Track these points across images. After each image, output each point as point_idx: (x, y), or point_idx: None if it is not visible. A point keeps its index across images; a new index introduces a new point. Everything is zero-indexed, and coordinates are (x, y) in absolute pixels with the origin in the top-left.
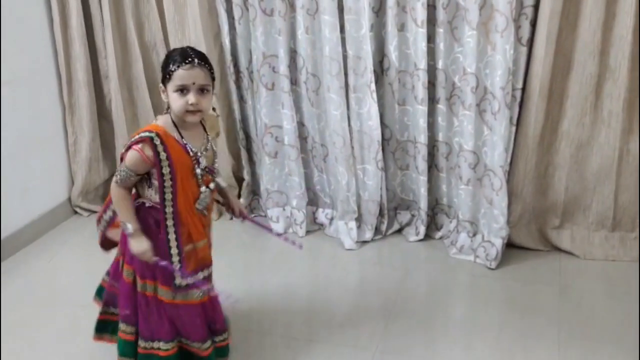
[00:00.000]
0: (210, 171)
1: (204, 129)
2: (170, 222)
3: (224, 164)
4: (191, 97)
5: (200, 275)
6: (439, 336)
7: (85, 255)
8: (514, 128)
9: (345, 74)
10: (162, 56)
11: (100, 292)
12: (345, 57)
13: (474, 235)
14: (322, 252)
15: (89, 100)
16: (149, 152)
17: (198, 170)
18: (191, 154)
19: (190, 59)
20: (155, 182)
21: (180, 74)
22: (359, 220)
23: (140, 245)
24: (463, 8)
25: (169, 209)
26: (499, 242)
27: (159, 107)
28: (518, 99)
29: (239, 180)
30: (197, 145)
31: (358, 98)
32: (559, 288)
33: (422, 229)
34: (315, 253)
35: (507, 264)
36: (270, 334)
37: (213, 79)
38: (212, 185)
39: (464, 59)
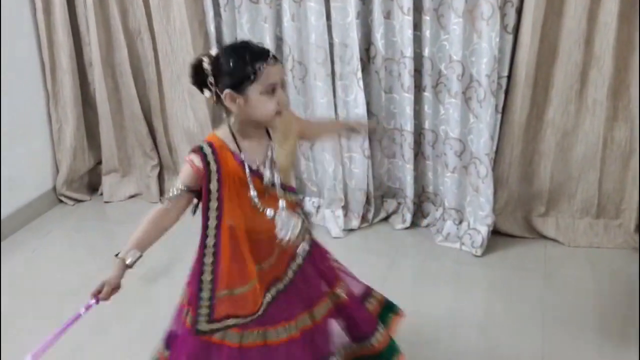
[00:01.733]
0: (284, 187)
1: (267, 132)
2: (209, 259)
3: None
4: (282, 95)
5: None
6: (424, 323)
7: (70, 244)
8: (499, 116)
9: (332, 62)
10: (147, 43)
11: None
12: (331, 45)
13: (460, 222)
14: None
15: (73, 88)
16: (199, 162)
17: (252, 193)
18: (251, 168)
19: (271, 54)
20: (212, 222)
21: (272, 72)
22: (345, 208)
23: (112, 276)
24: None
25: (210, 240)
26: (484, 230)
27: (143, 95)
28: (504, 87)
29: None
30: (260, 158)
31: (344, 86)
32: (543, 275)
33: (408, 217)
34: None
35: (492, 251)
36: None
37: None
38: (282, 204)
39: (450, 46)
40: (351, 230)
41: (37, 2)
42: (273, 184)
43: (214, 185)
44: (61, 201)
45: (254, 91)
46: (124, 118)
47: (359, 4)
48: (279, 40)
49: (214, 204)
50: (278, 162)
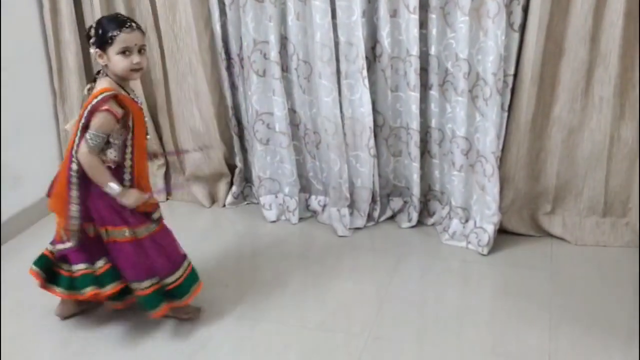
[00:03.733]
0: None
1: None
2: (127, 177)
3: (215, 151)
4: (135, 57)
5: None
6: (431, 322)
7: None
8: (505, 114)
9: (337, 61)
10: (153, 42)
11: (41, 261)
12: (336, 44)
13: (466, 221)
14: (314, 239)
15: (80, 87)
16: (117, 108)
17: (146, 119)
18: (140, 104)
19: (129, 23)
20: (116, 141)
21: (124, 37)
22: (351, 207)
23: (132, 197)
24: None
25: (128, 162)
26: (490, 228)
27: (149, 95)
28: (510, 85)
29: (232, 167)
30: (135, 96)
31: (350, 85)
32: (550, 274)
33: (414, 216)
34: (308, 240)
35: (498, 250)
36: (263, 321)
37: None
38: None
39: (457, 44)
40: (357, 229)
41: (44, 1)
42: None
43: (131, 122)
44: None
45: (112, 51)
46: None
47: (365, 2)
48: (284, 39)
49: (130, 135)
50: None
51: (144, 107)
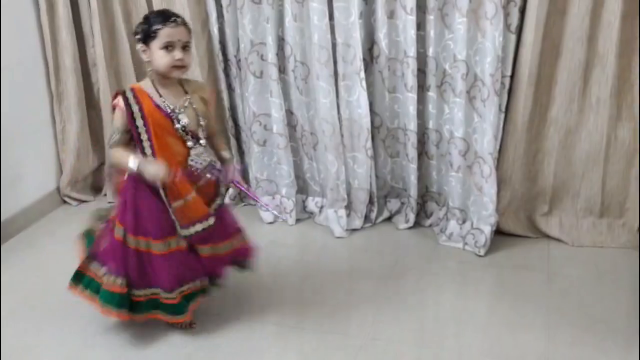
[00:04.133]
0: (191, 132)
1: (183, 89)
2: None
3: (212, 152)
4: (178, 53)
5: (199, 227)
6: (428, 323)
7: (74, 244)
8: (503, 115)
9: (335, 62)
10: None
11: (79, 278)
12: (334, 45)
13: (463, 222)
14: (312, 240)
15: (76, 89)
16: (122, 103)
17: (178, 126)
18: (168, 110)
19: (174, 18)
20: (142, 136)
21: (167, 32)
22: (348, 208)
23: (154, 167)
24: None
25: (148, 150)
26: (487, 229)
27: None
28: (507, 86)
29: None
30: (176, 103)
31: (347, 86)
32: (547, 275)
33: (411, 217)
34: (305, 241)
35: (496, 251)
36: (261, 322)
37: (191, 37)
38: (202, 142)
39: (454, 46)
40: (354, 230)
41: (40, 2)
42: (183, 128)
43: (139, 122)
44: (65, 202)
45: (155, 46)
46: None
47: (362, 3)
48: (281, 40)
49: (144, 136)
50: (197, 114)
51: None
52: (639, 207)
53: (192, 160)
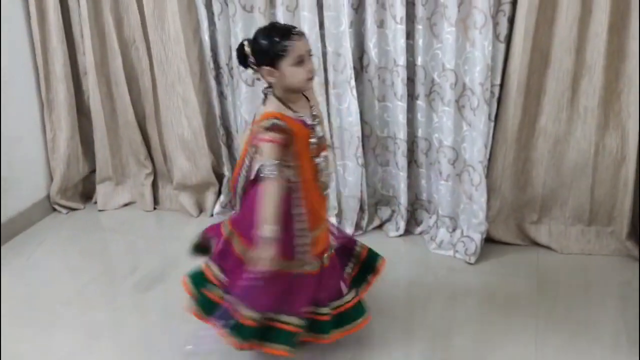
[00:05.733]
0: (321, 145)
1: (306, 97)
2: (299, 208)
3: (204, 160)
4: (309, 64)
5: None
6: (418, 331)
7: (64, 252)
8: (492, 124)
9: (325, 70)
10: (142, 51)
11: (209, 307)
12: (324, 54)
13: (454, 230)
14: None
15: (67, 96)
16: (279, 135)
17: (313, 140)
18: (309, 124)
19: (295, 29)
20: (290, 163)
21: (297, 45)
22: (339, 216)
23: (268, 252)
24: (442, 5)
25: (297, 193)
26: (478, 237)
27: (137, 104)
28: (496, 95)
29: (219, 176)
30: (308, 115)
31: (338, 94)
32: (536, 282)
33: (402, 225)
34: None
35: (485, 258)
36: None
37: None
38: (325, 153)
39: (443, 55)
40: None
41: (31, 10)
42: (320, 137)
43: (294, 147)
44: (55, 209)
45: (286, 64)
46: (118, 126)
47: (352, 13)
48: None
49: (296, 162)
50: (321, 117)
51: (324, 118)
52: (629, 215)
53: (322, 176)
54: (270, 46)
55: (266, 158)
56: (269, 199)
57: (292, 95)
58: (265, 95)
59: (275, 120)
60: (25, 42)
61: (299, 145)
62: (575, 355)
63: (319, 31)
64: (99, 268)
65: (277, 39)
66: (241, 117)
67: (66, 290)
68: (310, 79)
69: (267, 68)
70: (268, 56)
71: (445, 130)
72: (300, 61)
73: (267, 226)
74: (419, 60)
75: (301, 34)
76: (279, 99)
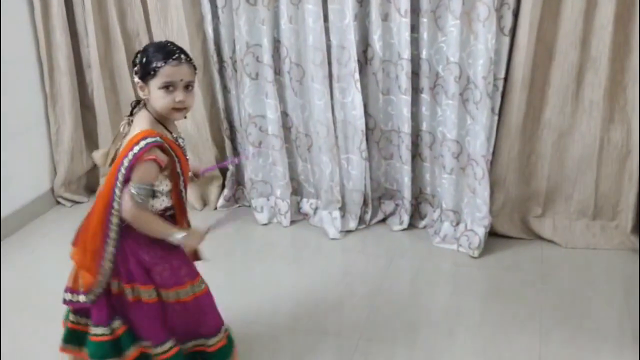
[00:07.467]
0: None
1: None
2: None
3: (208, 154)
4: (179, 95)
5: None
6: (422, 324)
7: (68, 245)
8: (496, 117)
9: (329, 64)
10: (145, 43)
11: (71, 336)
12: (329, 47)
13: (457, 224)
14: (306, 241)
15: (71, 90)
16: (162, 156)
17: (188, 157)
18: (182, 145)
19: (177, 55)
20: (163, 188)
21: (168, 71)
22: (343, 209)
23: (195, 238)
24: None
25: (179, 209)
26: (481, 231)
27: None
28: (500, 89)
29: (223, 170)
30: (178, 134)
31: (342, 88)
32: (540, 276)
33: (405, 218)
34: (299, 243)
35: (489, 252)
36: (255, 323)
37: (195, 74)
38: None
39: (448, 48)
40: (348, 231)
41: (35, 3)
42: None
43: (178, 168)
44: (59, 202)
45: (153, 85)
46: (122, 119)
47: (357, 6)
48: (276, 42)
49: (180, 180)
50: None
51: (186, 145)
52: (634, 209)
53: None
54: (145, 62)
55: (139, 180)
56: (147, 224)
57: (163, 118)
58: (137, 104)
59: (157, 141)
60: (29, 35)
61: (182, 167)
62: (579, 349)
63: (324, 24)
64: None
65: (151, 58)
66: (245, 110)
67: None
68: (177, 110)
69: (139, 82)
70: (141, 71)
71: (449, 124)
72: (167, 87)
73: (172, 235)
74: (424, 54)
75: (183, 61)
76: (153, 117)
